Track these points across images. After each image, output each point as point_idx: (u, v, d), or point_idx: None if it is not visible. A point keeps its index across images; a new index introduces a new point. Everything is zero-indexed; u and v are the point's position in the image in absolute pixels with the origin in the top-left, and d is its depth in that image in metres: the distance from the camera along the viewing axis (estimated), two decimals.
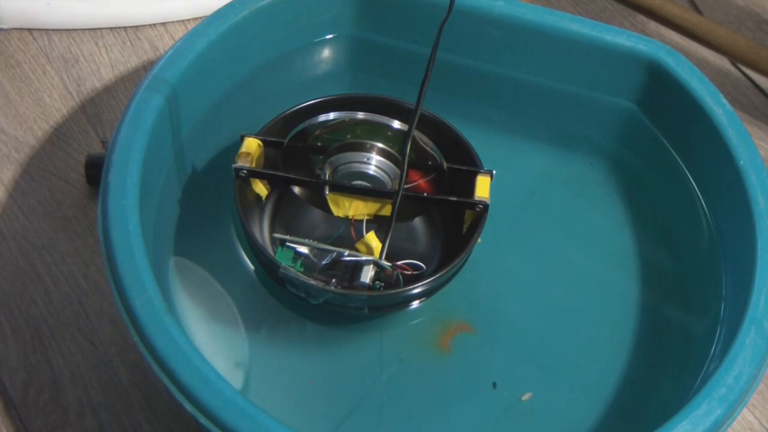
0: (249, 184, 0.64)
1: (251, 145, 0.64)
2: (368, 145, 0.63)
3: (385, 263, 0.61)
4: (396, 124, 0.64)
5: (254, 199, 0.65)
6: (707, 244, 0.67)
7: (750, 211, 0.62)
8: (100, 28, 0.84)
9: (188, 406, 0.52)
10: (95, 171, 0.72)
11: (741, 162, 0.64)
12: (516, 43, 0.72)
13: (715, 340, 0.61)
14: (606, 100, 0.73)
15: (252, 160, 0.63)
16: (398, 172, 0.64)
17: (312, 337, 0.64)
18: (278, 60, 0.74)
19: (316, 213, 0.67)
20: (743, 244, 0.62)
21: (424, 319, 0.65)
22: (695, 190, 0.69)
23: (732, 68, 0.89)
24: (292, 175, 0.65)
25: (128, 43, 0.84)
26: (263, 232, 0.66)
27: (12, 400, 0.65)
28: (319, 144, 0.65)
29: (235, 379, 0.61)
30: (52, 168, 0.75)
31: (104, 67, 0.82)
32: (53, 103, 0.79)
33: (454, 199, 0.63)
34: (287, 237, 0.63)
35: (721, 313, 0.63)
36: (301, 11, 0.73)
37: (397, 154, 0.64)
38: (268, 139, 0.64)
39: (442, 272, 0.61)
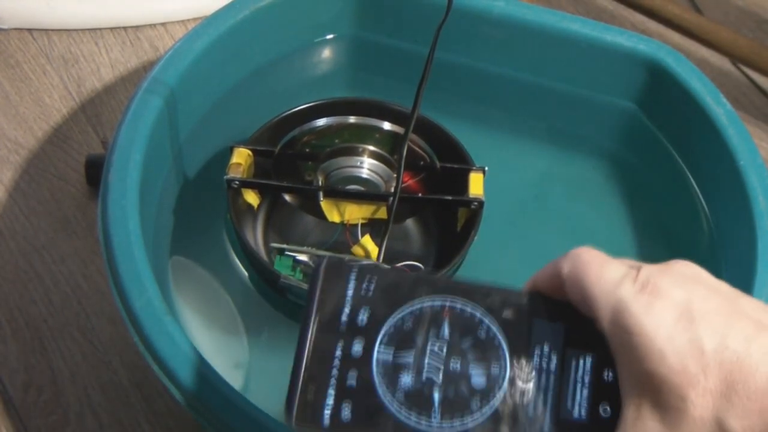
0: (240, 194, 0.64)
1: (241, 155, 0.63)
2: (360, 149, 0.63)
3: (385, 266, 0.61)
4: (386, 125, 0.64)
5: (246, 208, 0.65)
6: (707, 244, 0.67)
7: (750, 211, 0.62)
8: (100, 28, 0.84)
9: (188, 407, 0.52)
10: (95, 171, 0.72)
11: (741, 162, 0.64)
12: (516, 43, 0.72)
13: None
14: (606, 100, 0.73)
15: (243, 170, 0.63)
16: (391, 173, 0.64)
17: None
18: (278, 60, 0.74)
19: (309, 219, 0.67)
20: (743, 244, 0.62)
21: None
22: (695, 190, 0.69)
23: (732, 68, 0.89)
24: (286, 183, 0.65)
25: (128, 43, 0.84)
26: (257, 241, 0.66)
27: (12, 400, 0.65)
28: (307, 150, 0.65)
29: (234, 379, 0.60)
30: (51, 168, 0.75)
31: (104, 68, 0.82)
32: (53, 103, 0.79)
33: (450, 198, 0.63)
34: (286, 246, 0.62)
35: None
36: (301, 11, 0.73)
37: (389, 156, 0.64)
38: (258, 148, 0.64)
39: (444, 271, 0.61)
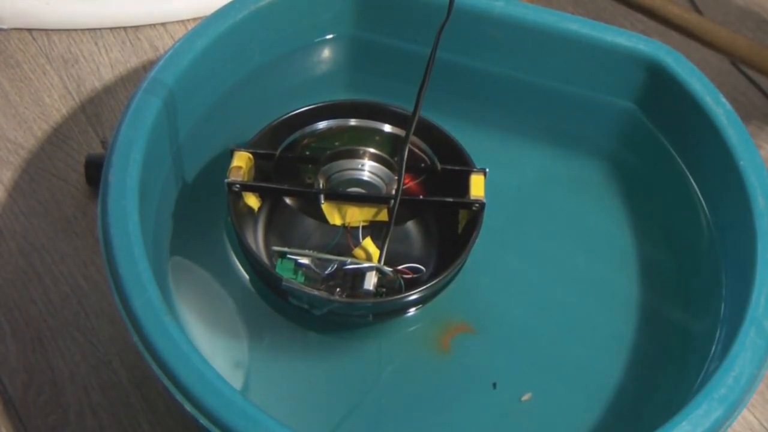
0: (241, 198, 0.64)
1: (242, 158, 0.63)
2: (361, 152, 0.63)
3: (387, 268, 0.61)
4: (386, 128, 0.64)
5: (247, 211, 0.65)
6: (707, 244, 0.67)
7: (750, 211, 0.62)
8: (100, 28, 0.84)
9: (188, 406, 0.52)
10: (95, 171, 0.72)
11: (741, 162, 0.64)
12: (516, 43, 0.72)
13: (715, 340, 0.61)
14: (606, 100, 0.73)
15: (244, 173, 0.63)
16: (392, 175, 0.64)
17: (312, 338, 0.64)
18: (278, 60, 0.74)
19: (310, 222, 0.67)
20: (743, 244, 0.62)
21: (424, 321, 0.65)
22: (695, 190, 0.69)
23: (732, 68, 0.89)
24: (286, 187, 0.65)
25: (128, 43, 0.84)
26: (258, 244, 0.65)
27: (12, 400, 0.65)
28: (308, 153, 0.65)
29: (234, 379, 0.60)
30: (51, 168, 0.75)
31: (104, 67, 0.82)
32: (53, 103, 0.79)
33: (451, 200, 0.63)
34: (287, 249, 0.62)
35: (721, 313, 0.63)
36: (301, 11, 0.73)
37: (389, 158, 0.64)
38: (259, 151, 0.64)
39: (446, 273, 0.61)
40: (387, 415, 0.61)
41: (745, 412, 0.68)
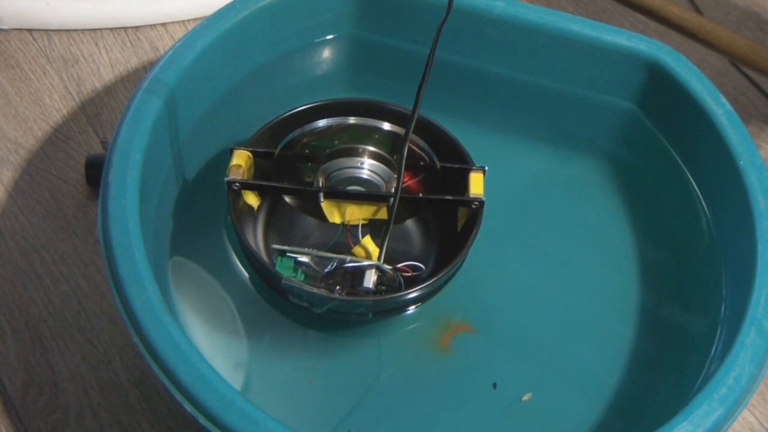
0: (241, 196, 0.64)
1: (242, 156, 0.63)
2: (360, 150, 0.63)
3: (386, 266, 0.61)
4: (386, 126, 0.64)
5: (247, 210, 0.65)
6: (707, 244, 0.67)
7: (750, 211, 0.62)
8: (100, 29, 0.84)
9: (188, 407, 0.52)
10: (95, 171, 0.72)
11: (741, 162, 0.64)
12: (516, 43, 0.72)
13: (715, 340, 0.61)
14: (606, 100, 0.73)
15: (243, 172, 0.63)
16: (391, 174, 0.64)
17: (312, 337, 0.64)
18: (278, 60, 0.74)
19: (309, 220, 0.67)
20: (743, 244, 0.62)
21: (424, 320, 0.65)
22: (695, 190, 0.69)
23: (732, 68, 0.89)
24: (286, 185, 0.65)
25: (128, 44, 0.84)
26: (258, 242, 0.66)
27: (12, 400, 0.65)
28: (307, 151, 0.65)
29: (234, 379, 0.61)
30: (51, 168, 0.76)
31: (104, 68, 0.82)
32: (53, 103, 0.79)
33: (450, 198, 0.63)
34: (287, 247, 0.62)
35: (721, 313, 0.63)
36: (301, 11, 0.73)
37: (389, 156, 0.64)
38: (258, 150, 0.64)
39: (446, 270, 0.61)
40: (387, 415, 0.61)
41: (745, 412, 0.68)
